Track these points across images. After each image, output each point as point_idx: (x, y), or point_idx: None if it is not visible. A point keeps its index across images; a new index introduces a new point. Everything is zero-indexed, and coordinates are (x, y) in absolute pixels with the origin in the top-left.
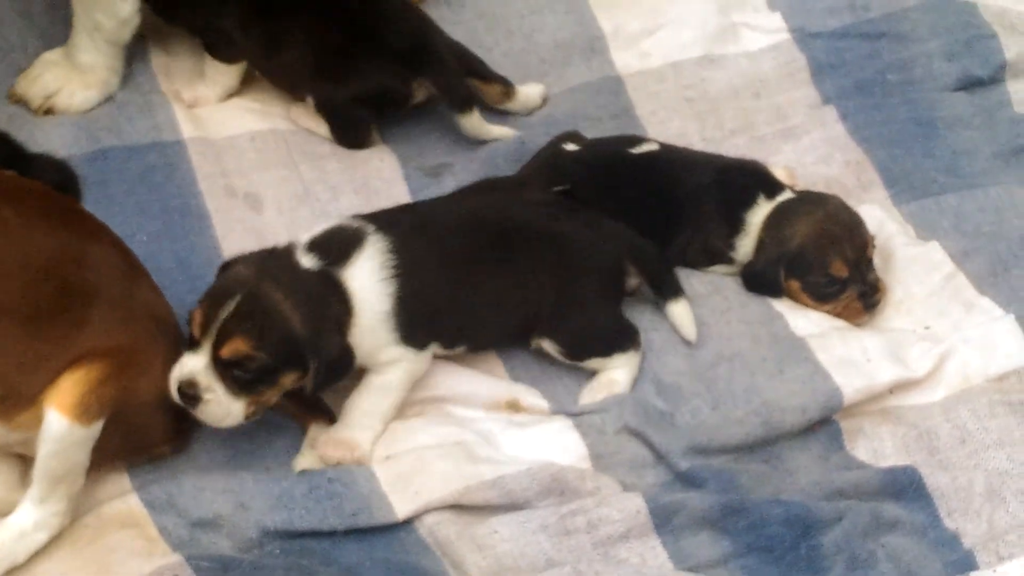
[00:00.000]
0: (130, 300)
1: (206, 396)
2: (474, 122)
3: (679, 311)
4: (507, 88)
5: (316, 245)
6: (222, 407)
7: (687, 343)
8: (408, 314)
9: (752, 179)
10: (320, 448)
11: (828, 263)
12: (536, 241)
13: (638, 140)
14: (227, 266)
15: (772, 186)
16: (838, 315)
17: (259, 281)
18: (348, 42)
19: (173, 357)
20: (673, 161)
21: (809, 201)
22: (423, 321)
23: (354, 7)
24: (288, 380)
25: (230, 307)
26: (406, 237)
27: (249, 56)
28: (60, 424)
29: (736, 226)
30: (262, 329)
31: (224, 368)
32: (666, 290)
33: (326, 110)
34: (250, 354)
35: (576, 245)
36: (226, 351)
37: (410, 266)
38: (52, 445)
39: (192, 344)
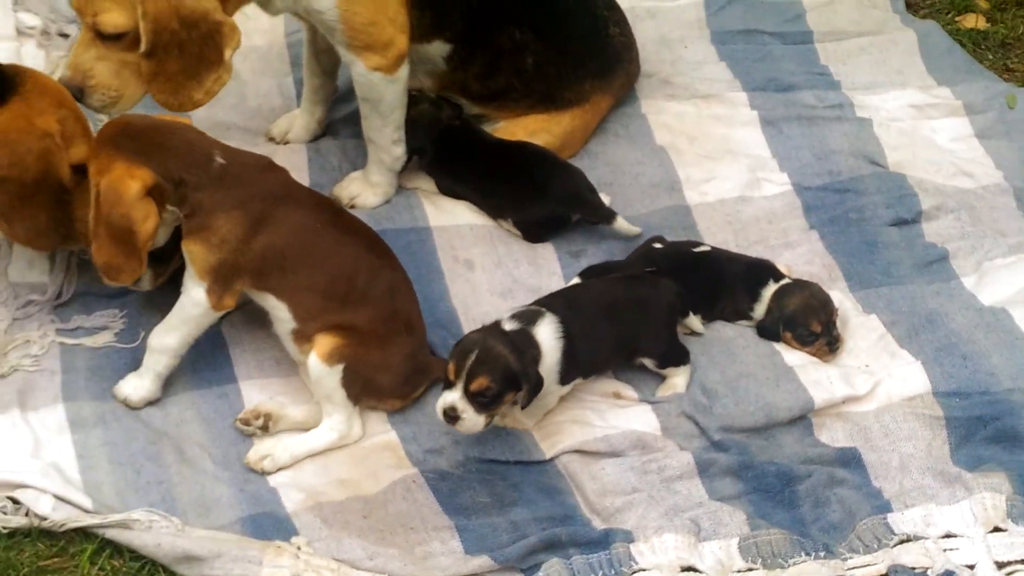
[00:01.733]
0: (393, 306)
1: (462, 416)
2: (618, 225)
3: (691, 320)
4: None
5: (515, 316)
6: (472, 422)
7: (718, 359)
8: (567, 363)
9: (766, 270)
10: (507, 423)
11: (809, 323)
12: (630, 304)
13: (698, 244)
14: (463, 339)
15: (777, 275)
16: (813, 355)
17: (486, 339)
18: (531, 191)
19: (411, 345)
20: (719, 257)
21: (799, 285)
22: (575, 366)
23: (535, 174)
24: (509, 398)
25: (472, 358)
26: (564, 314)
27: (470, 197)
28: (314, 362)
29: (755, 297)
30: (494, 369)
31: (472, 397)
32: (685, 310)
33: (519, 226)
34: (489, 386)
35: (651, 302)
36: (474, 386)
37: (569, 332)
38: (313, 375)
39: (447, 384)
